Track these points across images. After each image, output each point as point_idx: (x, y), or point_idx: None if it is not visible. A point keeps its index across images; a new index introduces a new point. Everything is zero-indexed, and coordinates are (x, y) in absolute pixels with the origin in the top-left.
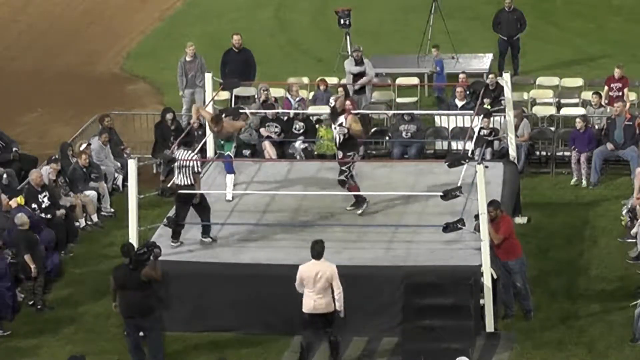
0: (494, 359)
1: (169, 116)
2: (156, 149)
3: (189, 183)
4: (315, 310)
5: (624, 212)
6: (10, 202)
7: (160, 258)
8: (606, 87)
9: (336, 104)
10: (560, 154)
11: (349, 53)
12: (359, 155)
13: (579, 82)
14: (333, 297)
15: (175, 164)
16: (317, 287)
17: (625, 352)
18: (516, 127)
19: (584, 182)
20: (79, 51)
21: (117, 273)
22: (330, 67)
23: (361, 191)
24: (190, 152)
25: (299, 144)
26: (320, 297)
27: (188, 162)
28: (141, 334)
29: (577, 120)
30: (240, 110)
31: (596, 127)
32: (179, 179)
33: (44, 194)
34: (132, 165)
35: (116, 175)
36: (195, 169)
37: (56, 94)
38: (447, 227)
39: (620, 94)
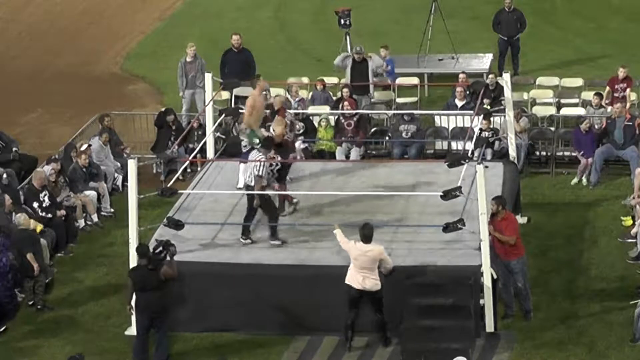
0: (494, 359)
1: (169, 117)
2: (157, 147)
3: (245, 185)
4: (363, 287)
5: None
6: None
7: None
8: (608, 88)
9: (273, 102)
10: (560, 154)
11: (349, 53)
12: (285, 156)
13: (579, 82)
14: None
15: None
16: (366, 267)
17: (625, 352)
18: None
19: (584, 181)
20: (79, 51)
21: (136, 274)
22: (330, 67)
23: (359, 191)
24: (261, 154)
25: (298, 144)
26: (367, 276)
27: (253, 163)
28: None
29: (585, 122)
30: (240, 110)
31: (596, 126)
32: (249, 179)
33: (44, 193)
34: (132, 165)
35: (116, 175)
36: (256, 172)
37: (56, 94)
38: (447, 227)
39: (625, 94)
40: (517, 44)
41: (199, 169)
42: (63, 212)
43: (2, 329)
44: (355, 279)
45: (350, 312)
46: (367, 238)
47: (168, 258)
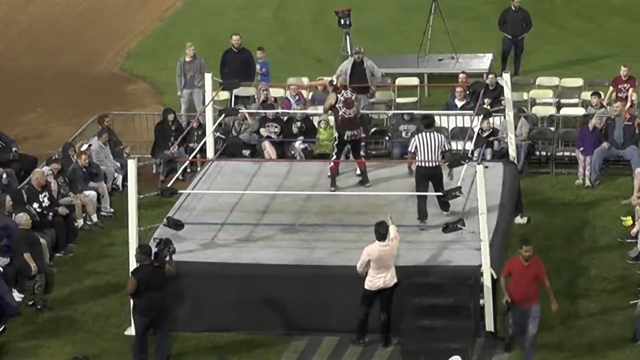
0: (493, 359)
1: (170, 117)
2: (155, 149)
3: (431, 165)
4: (385, 286)
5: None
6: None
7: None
8: (611, 88)
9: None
10: (560, 154)
11: (349, 53)
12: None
13: (579, 82)
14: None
15: (419, 144)
16: (385, 267)
17: (625, 352)
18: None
19: (588, 182)
20: (79, 51)
21: (141, 274)
22: (330, 67)
23: (359, 191)
24: (435, 133)
25: (298, 144)
26: (388, 273)
27: (437, 141)
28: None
29: (592, 121)
30: (240, 110)
31: (597, 126)
32: (422, 156)
33: (44, 193)
34: (132, 165)
35: (116, 175)
36: (446, 147)
37: (56, 94)
38: (447, 227)
39: (627, 94)
40: (522, 43)
41: (198, 168)
42: (65, 209)
43: (1, 329)
44: (376, 284)
45: (364, 308)
46: (382, 236)
47: (168, 257)
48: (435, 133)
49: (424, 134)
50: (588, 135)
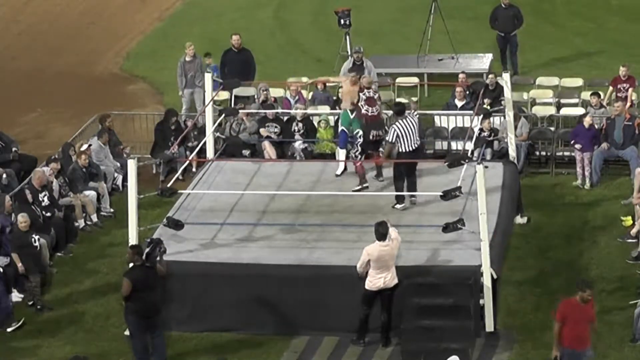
0: (494, 359)
1: (172, 119)
2: (155, 149)
3: (413, 148)
4: (385, 286)
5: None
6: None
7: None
8: (611, 88)
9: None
10: (560, 154)
11: (349, 53)
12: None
13: (578, 82)
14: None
15: (400, 133)
16: (385, 267)
17: (625, 352)
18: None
19: (587, 184)
20: (79, 51)
21: (138, 275)
22: (330, 67)
23: (360, 191)
24: (409, 118)
25: (298, 144)
26: (388, 273)
27: (414, 125)
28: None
29: (587, 118)
30: (241, 110)
31: (596, 126)
32: (403, 147)
33: (44, 193)
34: (132, 165)
35: (116, 175)
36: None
37: (56, 94)
38: (447, 227)
39: (627, 94)
40: (514, 40)
41: (194, 169)
42: (70, 200)
43: (17, 326)
44: (376, 284)
45: (366, 308)
46: (382, 236)
47: (158, 257)
48: (409, 118)
49: (401, 122)
50: (584, 132)
